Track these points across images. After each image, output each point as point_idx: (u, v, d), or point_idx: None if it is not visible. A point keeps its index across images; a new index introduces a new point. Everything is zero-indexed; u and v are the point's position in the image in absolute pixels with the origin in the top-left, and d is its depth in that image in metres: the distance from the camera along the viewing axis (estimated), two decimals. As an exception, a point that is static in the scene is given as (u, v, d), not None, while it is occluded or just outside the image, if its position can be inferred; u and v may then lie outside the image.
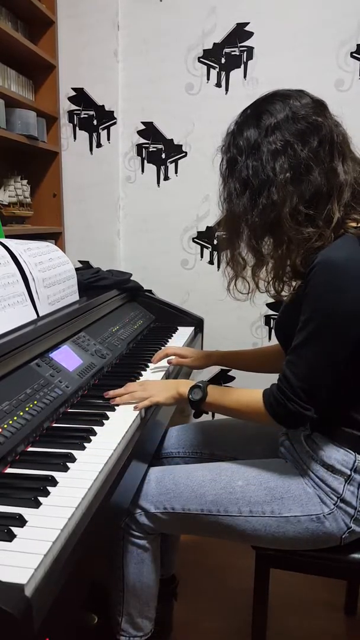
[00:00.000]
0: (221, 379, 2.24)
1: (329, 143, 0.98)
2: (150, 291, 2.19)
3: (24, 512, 0.77)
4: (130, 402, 1.20)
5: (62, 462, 0.91)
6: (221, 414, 1.20)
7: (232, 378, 2.23)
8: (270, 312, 2.15)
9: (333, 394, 1.02)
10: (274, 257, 1.03)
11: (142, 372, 1.43)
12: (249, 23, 1.98)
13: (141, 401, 1.19)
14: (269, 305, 2.13)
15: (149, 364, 1.49)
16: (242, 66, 2.03)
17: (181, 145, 2.14)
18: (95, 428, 1.06)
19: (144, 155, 2.18)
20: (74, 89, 2.16)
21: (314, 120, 0.98)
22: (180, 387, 1.20)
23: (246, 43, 2.01)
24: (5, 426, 0.95)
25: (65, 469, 0.90)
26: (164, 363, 1.47)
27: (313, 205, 0.98)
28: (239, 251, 1.07)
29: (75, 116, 2.19)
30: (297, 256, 1.00)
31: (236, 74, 2.04)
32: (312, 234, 0.98)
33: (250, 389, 1.11)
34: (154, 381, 1.30)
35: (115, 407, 1.18)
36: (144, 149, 2.18)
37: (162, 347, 1.64)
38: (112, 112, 2.15)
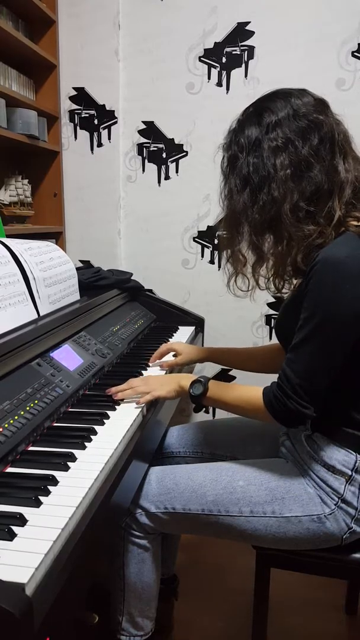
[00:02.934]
0: (222, 378, 2.24)
1: (329, 141, 0.99)
2: (151, 291, 2.19)
3: (25, 511, 0.77)
4: (132, 397, 1.20)
5: (63, 462, 0.91)
6: (221, 409, 1.21)
7: (233, 377, 2.22)
8: (271, 311, 2.15)
9: (333, 393, 1.02)
10: (275, 254, 1.03)
11: (143, 372, 1.43)
12: (250, 22, 1.98)
13: (143, 396, 1.19)
14: (269, 304, 2.13)
15: (150, 364, 1.49)
16: (243, 65, 2.02)
17: (182, 145, 2.14)
18: (96, 427, 1.06)
19: (144, 155, 2.18)
20: (75, 89, 2.16)
21: (315, 118, 0.99)
22: (182, 381, 1.20)
23: (247, 42, 2.00)
24: (6, 425, 0.95)
25: (66, 468, 0.90)
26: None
27: (313, 202, 0.99)
28: (239, 248, 1.07)
29: (76, 115, 2.19)
30: (297, 253, 1.00)
31: (237, 73, 2.03)
32: (312, 232, 0.98)
33: (251, 386, 1.11)
34: (155, 376, 1.30)
35: (116, 407, 1.18)
36: (144, 149, 2.18)
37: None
38: (113, 111, 2.15)
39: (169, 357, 1.51)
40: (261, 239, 1.04)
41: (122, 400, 1.21)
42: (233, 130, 1.06)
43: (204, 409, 2.30)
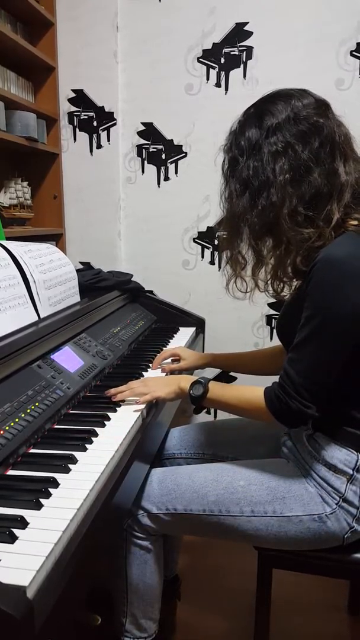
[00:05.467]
0: (223, 379, 2.24)
1: (330, 144, 0.99)
2: (151, 292, 2.19)
3: (26, 513, 0.77)
4: (131, 398, 1.20)
5: (64, 464, 0.91)
6: (221, 410, 1.21)
7: (234, 378, 2.22)
8: (272, 312, 2.15)
9: (335, 393, 1.02)
10: (274, 257, 1.04)
11: (144, 373, 1.43)
12: (248, 23, 1.98)
13: (142, 396, 1.20)
14: (270, 305, 2.13)
15: (151, 365, 1.49)
16: (242, 66, 2.02)
17: (181, 146, 2.14)
18: (97, 429, 1.06)
19: (144, 156, 2.18)
20: (74, 91, 2.16)
21: (316, 122, 0.98)
22: (182, 382, 1.20)
23: (245, 43, 2.00)
24: (7, 428, 0.95)
25: (66, 470, 0.90)
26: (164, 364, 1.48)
27: (312, 205, 0.99)
28: (238, 250, 1.08)
29: (75, 117, 2.19)
30: (296, 256, 1.00)
31: (236, 73, 2.04)
32: (312, 234, 0.98)
33: (252, 387, 1.11)
34: (155, 377, 1.31)
35: (117, 408, 1.18)
36: (144, 150, 2.18)
37: (163, 349, 1.65)
38: (112, 113, 2.15)
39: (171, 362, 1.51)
40: (260, 242, 1.04)
41: (122, 402, 1.21)
42: (234, 131, 1.06)
43: (205, 410, 2.30)
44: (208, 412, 2.31)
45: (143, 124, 2.15)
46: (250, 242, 1.05)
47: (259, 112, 1.02)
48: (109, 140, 2.18)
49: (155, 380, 1.25)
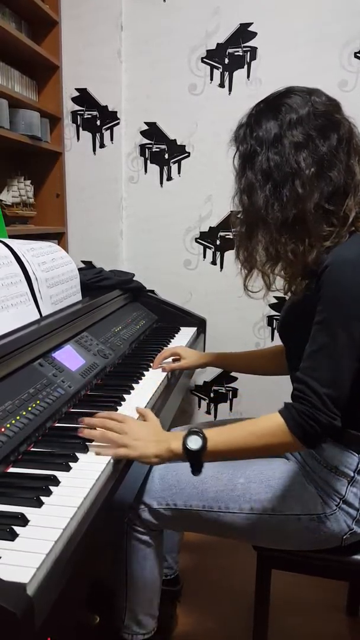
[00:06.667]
0: (223, 379, 2.24)
1: (347, 141, 0.99)
2: (152, 291, 2.19)
3: (26, 511, 0.77)
4: (103, 442, 0.99)
5: (65, 462, 0.92)
6: (231, 458, 1.07)
7: (234, 379, 2.22)
8: (273, 312, 2.15)
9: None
10: (294, 253, 0.99)
11: (145, 372, 1.43)
12: (252, 23, 1.98)
13: (116, 447, 0.97)
14: (271, 305, 2.13)
15: (152, 365, 1.49)
16: (246, 66, 2.02)
17: (184, 146, 2.14)
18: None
19: (147, 156, 2.18)
20: (78, 90, 2.16)
21: (334, 117, 0.98)
22: (173, 443, 0.98)
23: (249, 43, 2.00)
24: (8, 425, 0.95)
25: (67, 468, 0.90)
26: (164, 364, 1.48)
27: (332, 202, 0.98)
28: (256, 247, 1.04)
29: (78, 116, 2.19)
30: (316, 253, 0.98)
31: (239, 74, 2.04)
32: (330, 232, 0.98)
33: (257, 418, 0.99)
34: (140, 426, 1.03)
35: (118, 407, 1.18)
36: (147, 149, 2.18)
37: (164, 348, 1.65)
38: (116, 112, 2.15)
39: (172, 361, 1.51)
40: (280, 237, 0.99)
41: (122, 400, 1.19)
42: (246, 124, 1.03)
43: (205, 411, 2.30)
44: (208, 412, 2.31)
45: (146, 123, 2.15)
46: (272, 236, 1.00)
47: (275, 106, 1.00)
48: (112, 139, 2.18)
49: (139, 430, 1.00)
